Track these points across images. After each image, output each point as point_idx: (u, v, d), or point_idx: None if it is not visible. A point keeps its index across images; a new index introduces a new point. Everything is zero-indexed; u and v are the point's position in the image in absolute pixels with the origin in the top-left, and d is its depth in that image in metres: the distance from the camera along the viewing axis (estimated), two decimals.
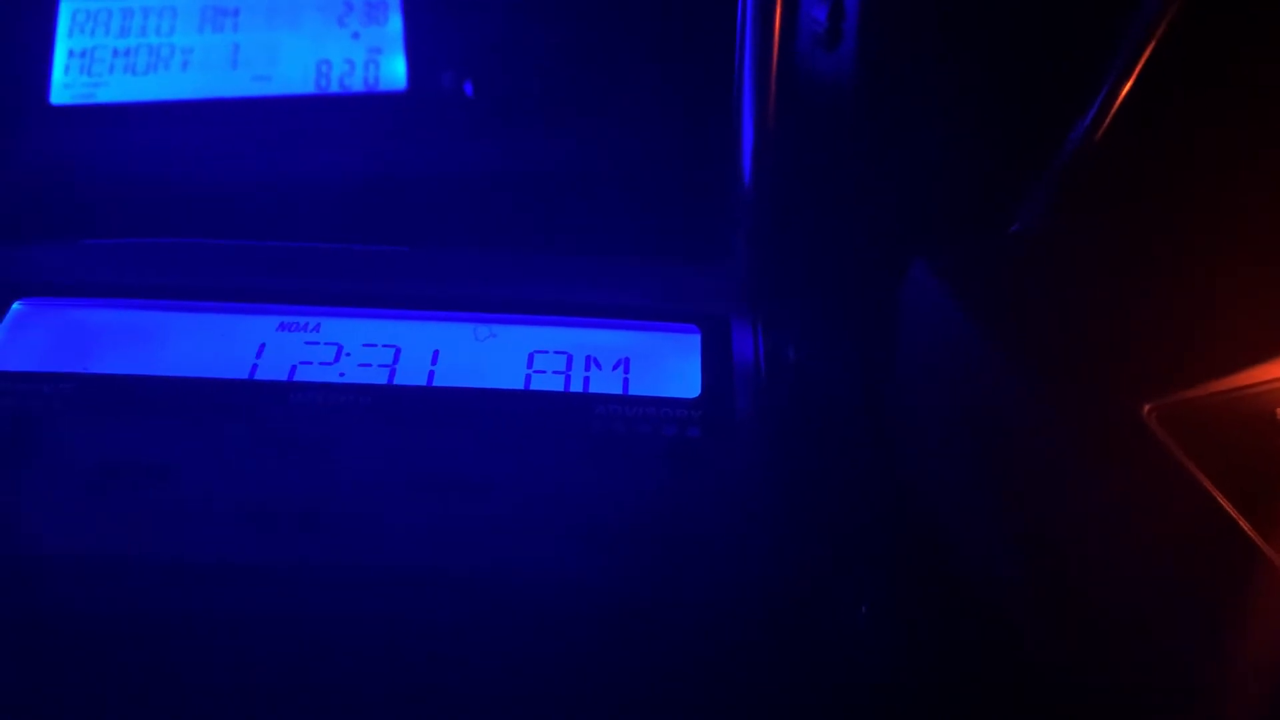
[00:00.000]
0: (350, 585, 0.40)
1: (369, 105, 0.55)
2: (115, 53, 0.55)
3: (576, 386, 0.44)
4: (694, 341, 0.46)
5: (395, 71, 0.56)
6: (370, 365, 0.45)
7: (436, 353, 0.45)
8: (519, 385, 0.44)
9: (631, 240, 0.48)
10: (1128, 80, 0.45)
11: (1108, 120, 0.45)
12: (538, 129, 0.53)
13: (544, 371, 0.45)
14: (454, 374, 0.45)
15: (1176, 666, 0.34)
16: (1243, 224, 0.43)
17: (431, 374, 0.45)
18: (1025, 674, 0.39)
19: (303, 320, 0.46)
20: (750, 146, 0.46)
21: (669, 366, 0.45)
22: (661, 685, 0.39)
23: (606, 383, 0.45)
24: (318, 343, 0.46)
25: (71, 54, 0.55)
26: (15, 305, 0.48)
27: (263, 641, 0.39)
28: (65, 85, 0.55)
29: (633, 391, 0.44)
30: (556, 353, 0.45)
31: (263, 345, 0.45)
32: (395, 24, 0.56)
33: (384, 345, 0.45)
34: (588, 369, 0.45)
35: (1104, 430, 0.37)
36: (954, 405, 0.43)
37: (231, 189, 0.53)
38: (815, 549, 0.42)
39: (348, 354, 0.45)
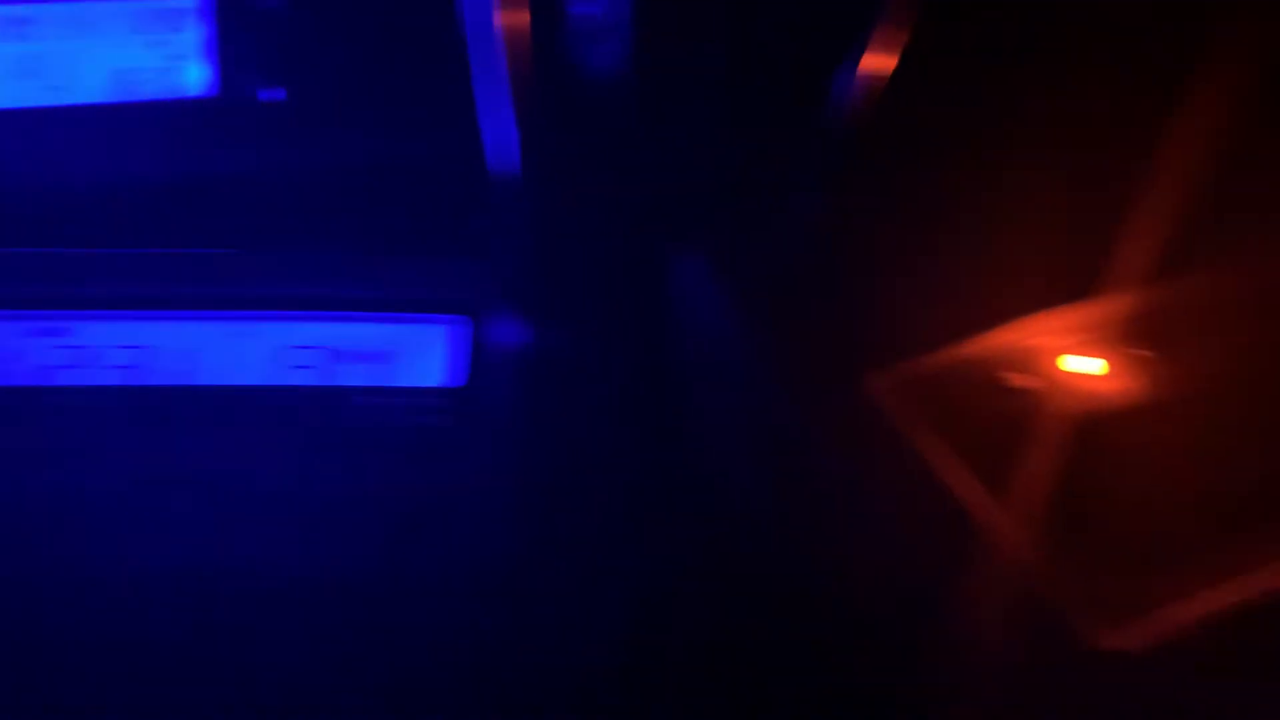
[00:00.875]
0: (107, 586, 0.39)
1: (167, 112, 0.55)
2: None
3: (334, 380, 0.44)
4: (455, 332, 0.46)
5: (193, 78, 0.55)
6: (126, 367, 0.44)
7: (193, 352, 0.45)
8: (277, 381, 0.44)
9: (401, 235, 0.48)
10: (876, 61, 0.46)
11: (859, 103, 0.46)
12: (312, 131, 0.52)
13: (305, 366, 0.45)
14: (212, 372, 0.44)
15: (906, 638, 0.35)
16: (977, 205, 0.44)
17: (189, 373, 0.44)
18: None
19: (54, 325, 0.45)
20: (515, 141, 0.46)
21: (431, 358, 0.45)
22: (408, 673, 0.39)
23: (365, 375, 0.44)
24: (71, 346, 0.45)
25: None
26: None
27: (22, 646, 0.38)
28: None
29: (392, 383, 0.44)
30: (315, 347, 0.45)
31: (14, 351, 0.45)
32: (193, 31, 0.56)
33: (139, 346, 0.45)
34: (347, 362, 0.45)
35: (831, 406, 0.37)
36: (717, 387, 0.43)
37: (19, 196, 0.52)
38: (572, 535, 0.42)
39: (102, 356, 0.45)
